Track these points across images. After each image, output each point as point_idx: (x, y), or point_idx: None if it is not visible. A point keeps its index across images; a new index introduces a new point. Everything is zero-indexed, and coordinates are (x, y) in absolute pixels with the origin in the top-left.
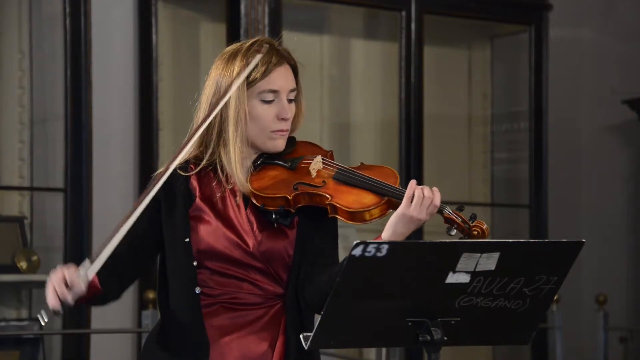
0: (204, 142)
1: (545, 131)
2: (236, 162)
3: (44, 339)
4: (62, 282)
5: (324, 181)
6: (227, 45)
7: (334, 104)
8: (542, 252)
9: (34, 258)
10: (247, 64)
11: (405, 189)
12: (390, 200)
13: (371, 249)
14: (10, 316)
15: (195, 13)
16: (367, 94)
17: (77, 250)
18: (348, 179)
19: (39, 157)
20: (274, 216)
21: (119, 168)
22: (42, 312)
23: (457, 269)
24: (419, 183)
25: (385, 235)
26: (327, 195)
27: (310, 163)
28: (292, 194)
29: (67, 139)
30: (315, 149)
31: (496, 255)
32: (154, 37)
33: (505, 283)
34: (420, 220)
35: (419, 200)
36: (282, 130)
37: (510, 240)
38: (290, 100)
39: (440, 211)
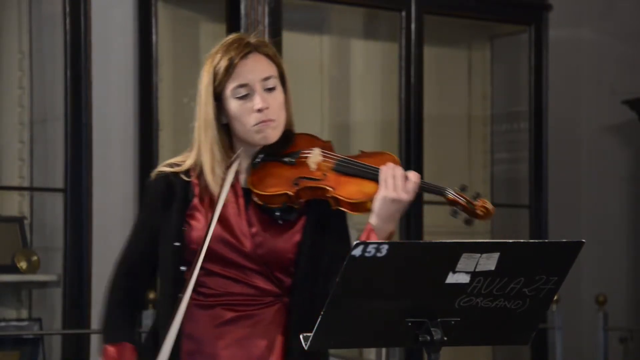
0: (196, 146)
1: (545, 131)
2: (208, 168)
3: (44, 339)
4: None
5: (324, 174)
6: None
7: (334, 104)
8: (542, 252)
9: (34, 258)
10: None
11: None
12: None
13: (371, 249)
14: (10, 316)
15: (195, 13)
16: (367, 94)
17: (77, 250)
18: (347, 169)
19: (39, 157)
20: (277, 213)
21: (119, 168)
22: None
23: (457, 269)
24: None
25: (372, 221)
26: (329, 188)
27: (309, 156)
28: (294, 190)
29: (67, 139)
30: (313, 140)
31: (496, 255)
32: (154, 37)
33: (505, 283)
34: (401, 199)
35: (392, 180)
36: (264, 122)
37: (510, 241)
38: (269, 89)
39: (442, 194)
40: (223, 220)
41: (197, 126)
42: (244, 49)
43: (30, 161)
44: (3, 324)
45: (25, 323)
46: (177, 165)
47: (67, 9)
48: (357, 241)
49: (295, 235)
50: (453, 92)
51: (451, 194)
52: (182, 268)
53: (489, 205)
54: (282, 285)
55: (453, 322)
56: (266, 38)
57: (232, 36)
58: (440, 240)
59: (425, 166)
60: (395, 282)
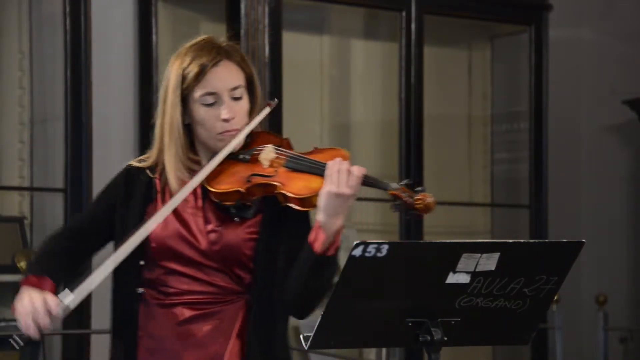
0: (159, 147)
1: (545, 131)
2: (171, 170)
3: (44, 339)
4: (47, 314)
5: (276, 170)
6: None
7: (334, 104)
8: (542, 252)
9: None
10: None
11: None
12: None
13: (371, 249)
14: (10, 316)
15: (195, 13)
16: (367, 94)
17: None
18: (297, 165)
19: (39, 157)
20: (232, 211)
21: (119, 168)
22: (17, 337)
23: (457, 269)
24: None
25: (319, 217)
26: (278, 184)
27: (261, 153)
28: (245, 187)
29: (67, 139)
30: (270, 137)
31: (496, 255)
32: (154, 37)
33: (505, 283)
34: (344, 194)
35: (336, 175)
36: (228, 131)
37: (510, 241)
38: (236, 99)
39: (384, 188)
40: (180, 217)
41: (160, 124)
42: (216, 57)
43: (30, 161)
44: (3, 324)
45: None
46: (144, 161)
47: (67, 9)
48: (357, 241)
49: (250, 231)
50: (453, 92)
51: (392, 189)
52: (141, 262)
53: (429, 199)
54: (243, 282)
55: (453, 322)
56: (266, 38)
57: (203, 38)
58: (440, 240)
59: (425, 166)
60: (395, 282)
